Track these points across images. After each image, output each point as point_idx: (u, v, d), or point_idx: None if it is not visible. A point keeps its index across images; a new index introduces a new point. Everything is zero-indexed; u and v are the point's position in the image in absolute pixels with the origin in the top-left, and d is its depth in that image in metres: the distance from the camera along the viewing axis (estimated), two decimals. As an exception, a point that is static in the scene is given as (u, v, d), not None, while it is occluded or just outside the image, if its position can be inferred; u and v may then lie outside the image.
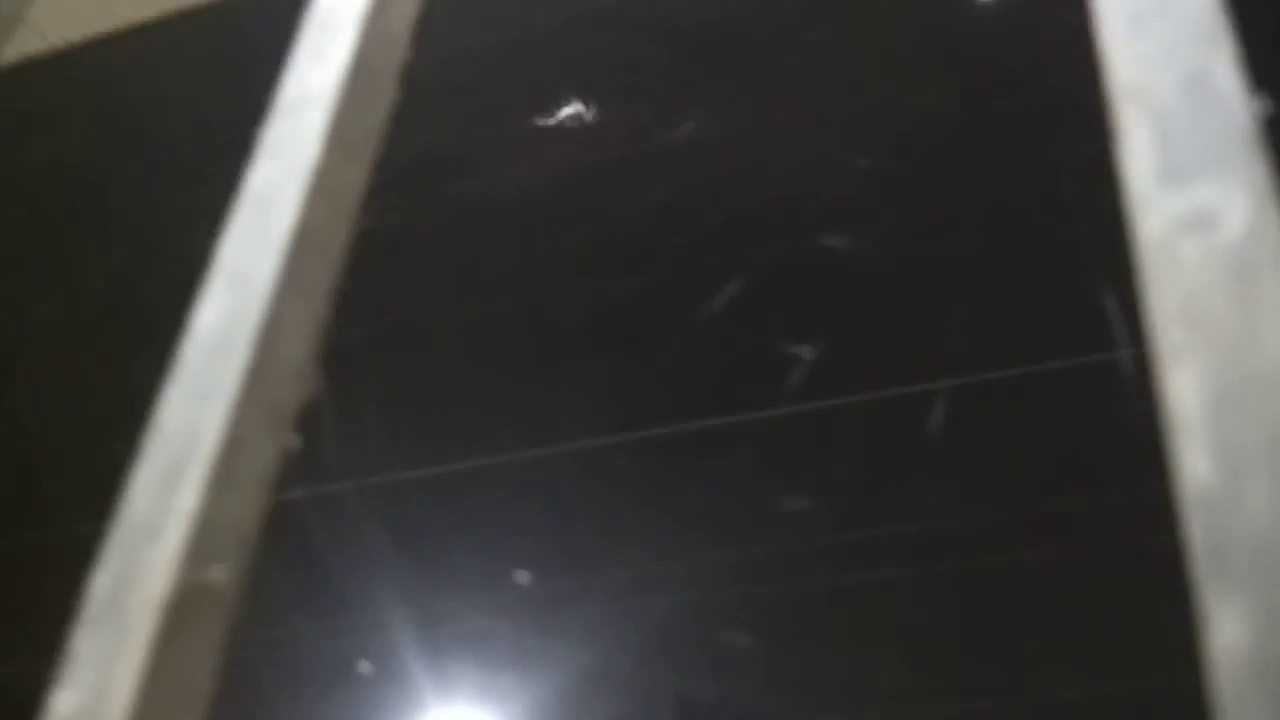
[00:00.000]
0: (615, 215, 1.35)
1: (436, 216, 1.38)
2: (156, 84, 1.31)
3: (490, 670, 1.68)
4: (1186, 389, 0.20)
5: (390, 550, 1.61)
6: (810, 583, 1.49)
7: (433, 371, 1.51)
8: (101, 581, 0.24)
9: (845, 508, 1.44)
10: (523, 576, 1.57)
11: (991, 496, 1.38)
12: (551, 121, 1.28)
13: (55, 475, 1.64)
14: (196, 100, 1.31)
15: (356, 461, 1.55)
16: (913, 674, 1.51)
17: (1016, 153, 1.20)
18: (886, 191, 1.23)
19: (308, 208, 0.31)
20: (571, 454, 1.50)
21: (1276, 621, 0.18)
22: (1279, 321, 0.21)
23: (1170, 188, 0.23)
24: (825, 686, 1.56)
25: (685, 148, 1.28)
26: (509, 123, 1.31)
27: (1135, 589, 1.30)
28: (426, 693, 1.68)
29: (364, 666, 1.69)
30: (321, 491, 1.55)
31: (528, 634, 1.62)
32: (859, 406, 1.35)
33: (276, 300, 0.29)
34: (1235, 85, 0.24)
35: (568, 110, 1.28)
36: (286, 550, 1.55)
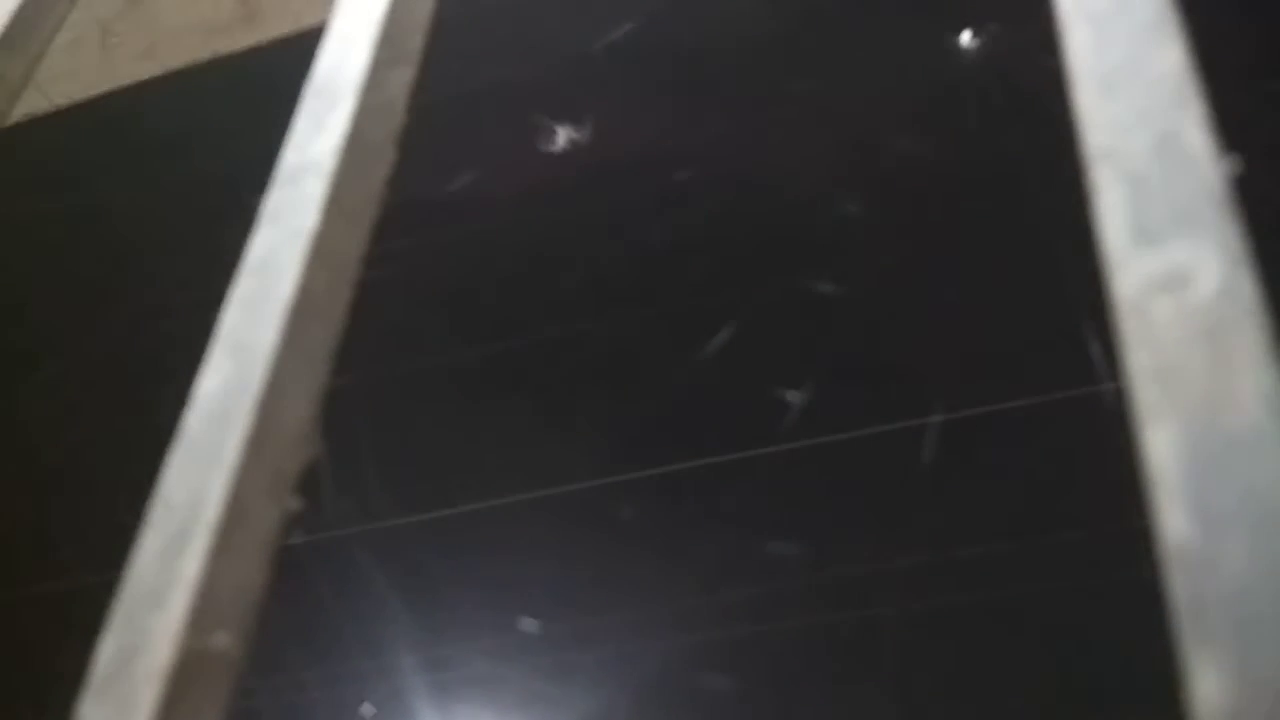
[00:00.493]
0: (609, 260, 1.37)
1: (430, 264, 1.39)
2: (161, 140, 1.33)
3: (494, 714, 1.67)
4: (1163, 447, 0.21)
5: (392, 594, 1.60)
6: (811, 621, 1.48)
7: (430, 416, 1.52)
8: (107, 650, 0.25)
9: (840, 546, 1.44)
10: (525, 619, 1.56)
11: (981, 532, 1.38)
12: (545, 169, 1.30)
13: (62, 528, 1.63)
14: (201, 155, 1.33)
15: (356, 507, 1.55)
16: (909, 710, 1.50)
17: (1000, 196, 1.22)
18: (874, 235, 1.24)
19: (307, 274, 0.32)
20: (570, 496, 1.50)
21: (1256, 678, 0.18)
22: (1252, 380, 0.21)
23: (1143, 248, 0.24)
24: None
25: (677, 194, 1.30)
26: (502, 170, 1.33)
27: (1124, 623, 1.29)
28: (430, 738, 1.67)
29: (367, 711, 1.68)
30: (322, 537, 1.55)
31: (530, 677, 1.61)
32: (851, 444, 1.35)
33: (277, 367, 0.29)
34: (1206, 147, 0.25)
35: (560, 156, 1.29)
36: (288, 596, 1.55)
